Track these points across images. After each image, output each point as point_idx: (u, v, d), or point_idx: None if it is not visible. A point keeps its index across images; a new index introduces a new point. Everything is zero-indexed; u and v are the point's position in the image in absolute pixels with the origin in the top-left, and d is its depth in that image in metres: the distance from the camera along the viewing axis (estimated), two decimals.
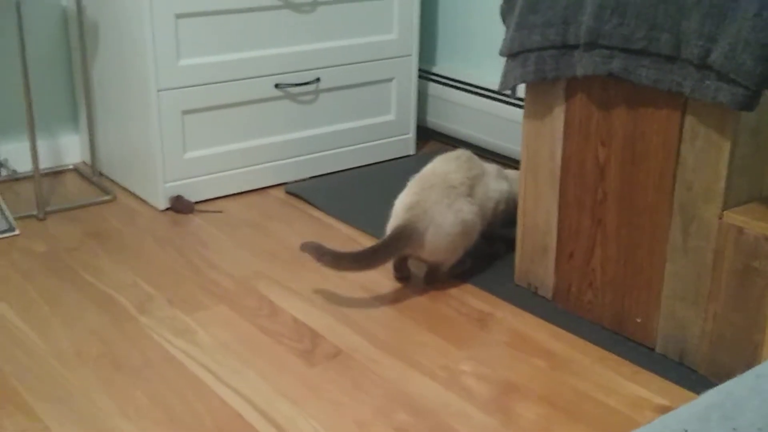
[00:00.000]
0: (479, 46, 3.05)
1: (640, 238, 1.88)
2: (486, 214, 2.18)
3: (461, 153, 2.23)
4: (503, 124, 2.89)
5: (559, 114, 1.98)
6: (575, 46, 1.86)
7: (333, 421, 1.69)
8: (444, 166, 2.16)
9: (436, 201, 2.08)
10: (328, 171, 2.93)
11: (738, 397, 0.90)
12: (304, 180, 2.86)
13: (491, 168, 2.28)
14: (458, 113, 3.07)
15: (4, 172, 2.80)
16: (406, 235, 2.05)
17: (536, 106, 2.04)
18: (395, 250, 2.07)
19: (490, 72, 2.97)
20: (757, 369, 0.97)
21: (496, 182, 2.23)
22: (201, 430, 1.65)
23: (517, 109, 2.79)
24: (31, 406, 1.71)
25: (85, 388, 1.78)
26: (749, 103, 1.59)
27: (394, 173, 2.87)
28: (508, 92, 2.08)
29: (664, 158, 1.79)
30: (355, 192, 2.76)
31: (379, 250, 2.04)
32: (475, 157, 2.24)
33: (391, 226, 2.09)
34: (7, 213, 2.51)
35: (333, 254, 2.04)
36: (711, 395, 0.93)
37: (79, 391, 1.77)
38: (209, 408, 1.72)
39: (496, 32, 2.87)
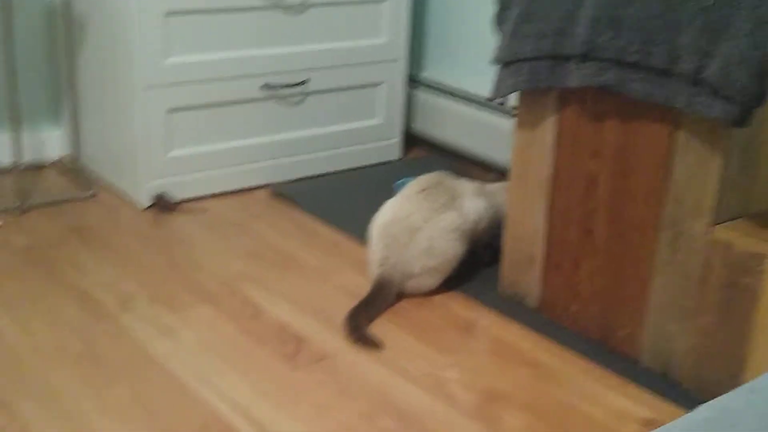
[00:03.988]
0: (469, 53, 3.05)
1: (628, 251, 1.89)
2: (466, 235, 2.17)
3: (428, 181, 2.20)
4: (490, 133, 2.89)
5: (550, 124, 1.99)
6: (569, 57, 1.87)
7: (317, 424, 1.68)
8: (406, 206, 2.15)
9: (401, 253, 2.10)
10: (314, 173, 2.91)
11: (733, 411, 0.90)
12: (289, 182, 2.84)
13: (469, 187, 2.26)
14: (445, 120, 3.07)
15: None
16: (386, 288, 2.11)
17: (528, 116, 2.04)
18: (382, 303, 2.09)
19: (479, 80, 2.98)
20: (751, 384, 0.97)
21: (473, 201, 2.21)
22: (183, 431, 1.63)
23: (505, 119, 2.80)
24: (10, 404, 1.68)
25: (66, 386, 1.75)
26: (742, 120, 1.60)
27: (379, 178, 2.87)
28: (499, 101, 2.07)
29: (655, 172, 1.80)
30: (341, 195, 2.75)
31: (362, 307, 2.05)
32: (447, 180, 2.23)
33: (371, 272, 2.16)
34: None
35: (350, 325, 2.00)
36: (706, 409, 0.93)
37: (60, 389, 1.74)
38: (191, 408, 1.70)
39: (488, 40, 2.87)
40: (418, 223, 2.12)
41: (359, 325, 1.99)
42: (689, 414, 0.94)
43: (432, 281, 2.16)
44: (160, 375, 1.81)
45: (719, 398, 0.98)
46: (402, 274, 2.12)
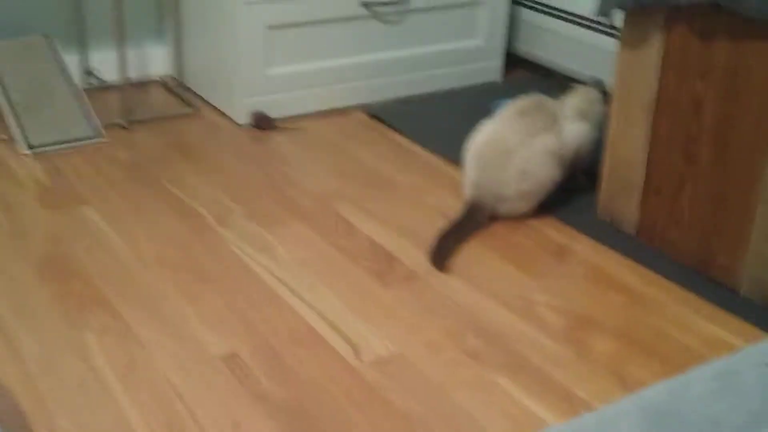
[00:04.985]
0: None
1: (733, 178, 1.81)
2: (564, 159, 2.12)
3: (527, 104, 2.15)
4: (595, 54, 2.80)
5: (656, 45, 1.90)
6: None
7: (404, 340, 1.70)
8: (502, 128, 2.11)
9: (495, 176, 2.07)
10: (412, 94, 2.89)
11: None
12: (387, 102, 2.83)
13: (570, 108, 2.19)
14: (550, 41, 2.98)
15: (93, 81, 2.85)
16: (478, 211, 2.09)
17: (633, 36, 1.96)
18: (473, 225, 2.08)
19: None
20: None
21: (576, 125, 2.15)
22: (276, 341, 1.68)
23: (612, 39, 2.70)
24: (114, 307, 1.76)
25: (166, 292, 1.82)
26: None
27: (478, 100, 2.82)
28: (604, 19, 2.00)
29: (766, 95, 1.71)
30: (438, 117, 2.73)
31: (453, 228, 2.04)
32: (546, 103, 2.17)
33: (464, 193, 2.14)
34: (95, 120, 2.56)
35: (437, 249, 1.99)
36: None
37: (160, 295, 1.81)
38: (284, 320, 1.75)
39: None
40: (513, 145, 2.08)
41: (444, 246, 1.98)
42: None
43: (526, 205, 2.13)
44: (255, 286, 1.86)
45: None
46: (495, 197, 2.09)
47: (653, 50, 1.91)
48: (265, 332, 1.71)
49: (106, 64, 2.82)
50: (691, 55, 1.83)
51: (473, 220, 2.08)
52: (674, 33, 1.86)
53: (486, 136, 2.13)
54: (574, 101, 2.21)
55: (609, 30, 2.70)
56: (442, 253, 1.97)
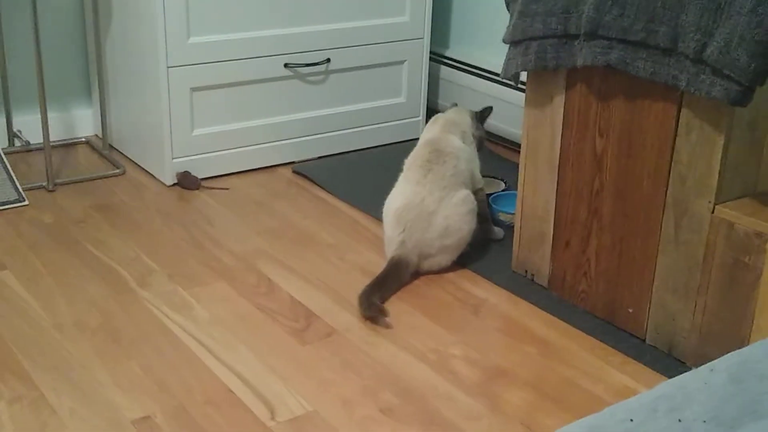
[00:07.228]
0: (492, 30, 3.05)
1: (634, 230, 1.89)
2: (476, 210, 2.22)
3: (427, 158, 2.20)
4: (515, 110, 2.89)
5: (559, 103, 1.99)
6: (576, 36, 1.86)
7: (320, 398, 1.72)
8: (417, 190, 2.15)
9: (420, 237, 2.13)
10: (336, 151, 2.95)
11: (689, 390, 0.92)
12: (311, 160, 2.88)
13: (457, 141, 2.29)
14: (469, 97, 3.07)
15: (17, 143, 2.85)
16: (401, 268, 2.13)
17: (537, 95, 2.04)
18: (396, 282, 2.12)
19: (502, 57, 2.96)
20: (712, 363, 0.99)
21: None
22: (190, 402, 1.69)
23: (523, 94, 2.79)
24: (28, 374, 1.76)
25: (82, 357, 1.82)
26: (742, 99, 1.58)
27: (402, 156, 2.88)
28: (510, 80, 2.08)
29: (660, 151, 1.79)
30: (362, 174, 2.78)
31: (376, 285, 2.06)
32: (442, 145, 2.24)
33: (386, 252, 2.18)
34: (17, 183, 2.55)
35: (365, 302, 2.03)
36: (662, 387, 0.94)
37: (76, 361, 1.81)
38: (200, 381, 1.76)
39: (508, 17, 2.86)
40: (432, 205, 2.13)
41: (373, 302, 2.02)
42: (645, 392, 0.96)
43: (448, 258, 2.19)
44: (173, 349, 1.87)
45: (679, 377, 1.00)
46: (419, 255, 2.14)
47: (556, 109, 1.99)
48: (179, 394, 1.71)
49: (31, 125, 2.83)
50: (591, 113, 1.92)
51: (396, 277, 2.11)
52: (575, 92, 1.94)
53: (404, 199, 2.16)
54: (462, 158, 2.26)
55: (520, 86, 2.80)
56: (373, 308, 2.01)
